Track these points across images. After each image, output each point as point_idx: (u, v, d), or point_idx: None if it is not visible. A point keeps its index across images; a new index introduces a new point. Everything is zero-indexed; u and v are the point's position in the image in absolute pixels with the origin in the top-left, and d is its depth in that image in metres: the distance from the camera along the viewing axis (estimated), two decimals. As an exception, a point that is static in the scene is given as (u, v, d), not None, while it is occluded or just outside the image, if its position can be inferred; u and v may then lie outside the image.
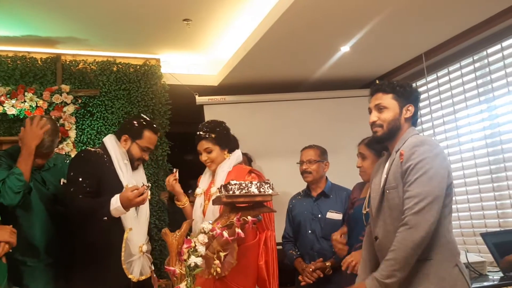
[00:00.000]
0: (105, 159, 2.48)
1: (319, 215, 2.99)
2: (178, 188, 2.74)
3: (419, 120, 3.06)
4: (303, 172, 3.06)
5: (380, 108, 2.15)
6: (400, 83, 2.18)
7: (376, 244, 2.13)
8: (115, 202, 2.27)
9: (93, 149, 2.56)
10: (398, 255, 1.92)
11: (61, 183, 2.65)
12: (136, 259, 2.41)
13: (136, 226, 2.46)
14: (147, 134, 2.58)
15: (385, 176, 2.12)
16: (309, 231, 2.99)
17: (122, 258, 2.26)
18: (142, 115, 2.81)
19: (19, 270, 2.44)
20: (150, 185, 2.39)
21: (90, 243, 2.39)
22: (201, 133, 2.72)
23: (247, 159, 4.44)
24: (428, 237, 1.90)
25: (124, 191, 2.31)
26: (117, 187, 2.41)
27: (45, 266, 2.52)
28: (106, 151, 2.52)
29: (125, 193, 2.27)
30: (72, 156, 3.96)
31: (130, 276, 2.35)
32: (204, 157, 2.71)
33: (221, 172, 2.69)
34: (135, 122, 2.62)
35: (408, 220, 1.91)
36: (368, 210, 2.60)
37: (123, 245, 2.24)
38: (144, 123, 2.62)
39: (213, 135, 2.70)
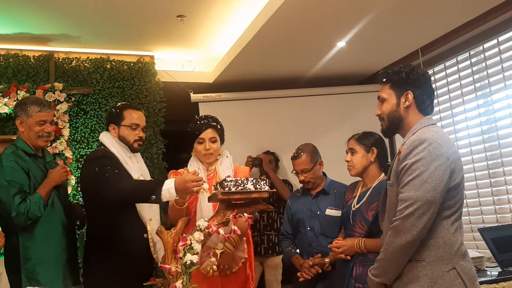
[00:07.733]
0: (113, 156, 2.52)
1: (318, 212, 2.95)
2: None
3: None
4: (303, 183, 3.03)
5: (381, 101, 2.07)
6: (396, 69, 2.05)
7: (382, 238, 2.06)
8: (169, 182, 2.23)
9: (100, 150, 2.59)
10: (386, 257, 1.91)
11: None
12: (160, 247, 2.39)
13: (153, 215, 2.50)
14: (127, 113, 2.62)
15: (389, 171, 2.04)
16: (308, 228, 2.95)
17: (152, 248, 2.28)
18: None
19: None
20: (205, 181, 2.39)
21: (111, 236, 2.45)
22: (209, 120, 2.67)
23: (274, 158, 4.39)
24: (416, 241, 1.83)
25: (183, 174, 2.34)
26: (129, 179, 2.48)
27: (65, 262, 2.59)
28: (108, 149, 2.56)
29: (184, 176, 2.26)
30: (67, 155, 3.95)
31: (160, 265, 2.30)
32: (207, 145, 2.62)
33: (224, 169, 2.65)
34: (113, 109, 2.70)
35: (396, 224, 1.85)
36: (357, 207, 2.57)
37: (149, 235, 2.26)
38: (121, 105, 2.70)
39: (219, 126, 2.69)
